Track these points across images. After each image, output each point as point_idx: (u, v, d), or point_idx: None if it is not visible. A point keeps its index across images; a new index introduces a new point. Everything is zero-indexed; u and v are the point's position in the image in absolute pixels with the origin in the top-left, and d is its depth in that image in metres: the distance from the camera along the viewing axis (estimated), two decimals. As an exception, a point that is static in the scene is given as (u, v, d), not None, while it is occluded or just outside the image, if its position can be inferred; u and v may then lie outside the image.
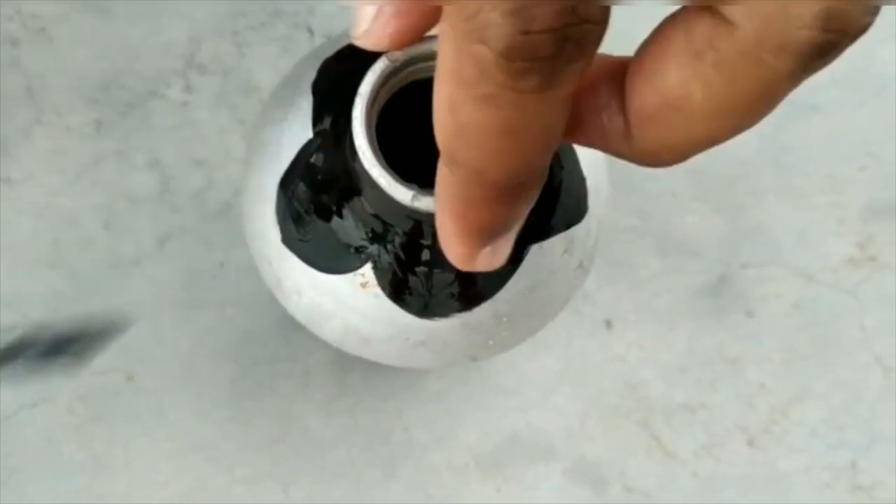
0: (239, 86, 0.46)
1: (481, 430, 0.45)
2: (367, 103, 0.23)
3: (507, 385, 0.46)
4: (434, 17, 0.21)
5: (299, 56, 0.46)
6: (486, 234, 0.20)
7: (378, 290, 0.29)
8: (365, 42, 0.22)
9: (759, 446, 0.46)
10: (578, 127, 0.20)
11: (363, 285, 0.29)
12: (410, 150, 0.28)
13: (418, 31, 0.22)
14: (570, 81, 0.17)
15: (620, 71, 0.19)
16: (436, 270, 0.28)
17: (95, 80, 0.46)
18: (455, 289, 0.29)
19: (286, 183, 0.29)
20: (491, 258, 0.21)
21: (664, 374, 0.46)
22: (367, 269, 0.28)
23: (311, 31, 0.46)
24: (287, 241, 0.30)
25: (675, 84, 0.18)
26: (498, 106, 0.17)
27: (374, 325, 0.30)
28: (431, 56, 0.23)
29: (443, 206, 0.20)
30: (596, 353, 0.46)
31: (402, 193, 0.24)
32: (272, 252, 0.30)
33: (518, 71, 0.16)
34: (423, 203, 0.24)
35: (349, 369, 0.46)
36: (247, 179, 0.32)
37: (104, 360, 0.45)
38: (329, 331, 0.31)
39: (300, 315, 0.32)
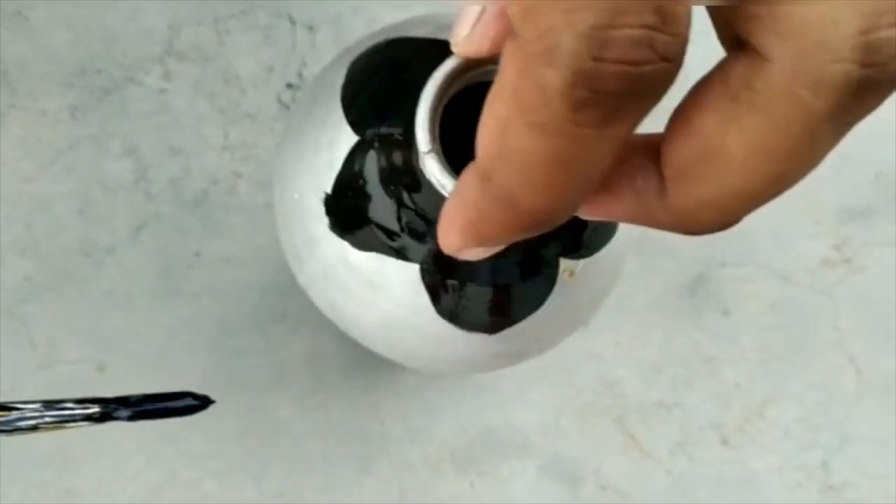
0: (218, 74, 0.45)
1: (457, 426, 0.45)
2: (433, 105, 0.22)
3: (484, 381, 0.46)
4: None
5: (280, 45, 0.46)
6: (488, 244, 0.19)
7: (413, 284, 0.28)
8: (466, 48, 0.21)
9: (733, 445, 0.46)
10: (611, 192, 0.19)
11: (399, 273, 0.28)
12: (467, 150, 0.28)
13: None
14: (631, 122, 0.16)
15: (657, 140, 0.18)
16: (470, 283, 0.28)
17: (72, 64, 0.45)
18: (488, 305, 0.28)
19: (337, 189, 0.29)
20: (481, 254, 0.20)
21: (640, 372, 0.46)
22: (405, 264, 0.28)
23: (292, 21, 0.46)
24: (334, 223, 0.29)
25: (710, 131, 0.17)
26: (552, 136, 0.16)
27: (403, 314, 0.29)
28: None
29: (458, 206, 0.19)
30: (573, 351, 0.46)
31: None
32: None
33: (581, 101, 0.16)
34: None
35: (325, 363, 0.45)
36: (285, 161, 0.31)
37: (75, 350, 0.45)
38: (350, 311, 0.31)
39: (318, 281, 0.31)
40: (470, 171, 0.19)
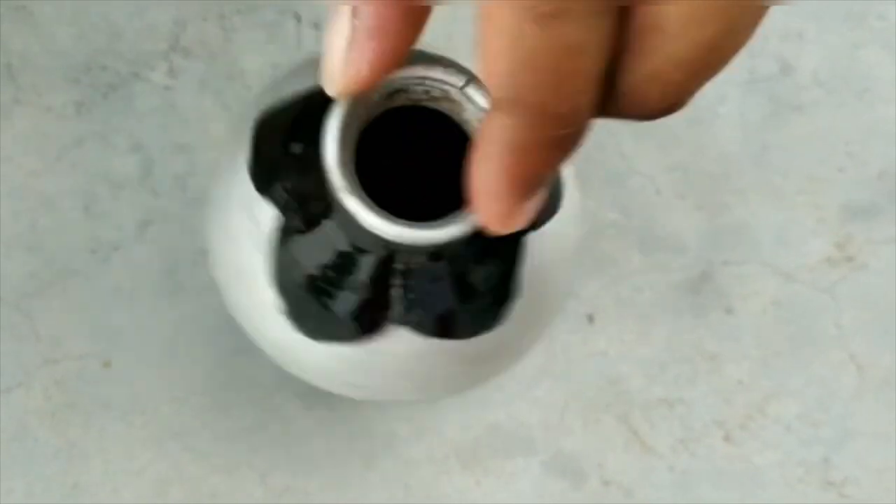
0: (224, 71, 0.45)
1: (462, 423, 0.45)
2: (339, 140, 0.22)
3: (489, 378, 0.46)
4: (413, 29, 0.20)
5: (286, 43, 0.46)
6: (530, 186, 0.20)
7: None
8: (341, 82, 0.20)
9: (735, 441, 0.46)
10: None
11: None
12: (388, 176, 0.29)
13: (398, 53, 0.20)
14: None
15: None
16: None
17: (77, 60, 0.45)
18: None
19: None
20: (525, 216, 0.20)
21: (644, 368, 0.46)
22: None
23: (298, 18, 0.45)
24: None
25: (646, 9, 0.18)
26: (564, 21, 0.17)
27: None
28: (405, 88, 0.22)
29: (490, 159, 0.19)
30: (578, 347, 0.46)
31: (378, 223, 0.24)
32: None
33: None
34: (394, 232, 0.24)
35: (330, 359, 0.45)
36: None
37: (80, 345, 0.45)
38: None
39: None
40: (488, 121, 0.19)
